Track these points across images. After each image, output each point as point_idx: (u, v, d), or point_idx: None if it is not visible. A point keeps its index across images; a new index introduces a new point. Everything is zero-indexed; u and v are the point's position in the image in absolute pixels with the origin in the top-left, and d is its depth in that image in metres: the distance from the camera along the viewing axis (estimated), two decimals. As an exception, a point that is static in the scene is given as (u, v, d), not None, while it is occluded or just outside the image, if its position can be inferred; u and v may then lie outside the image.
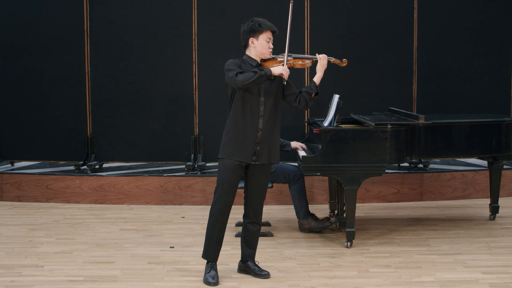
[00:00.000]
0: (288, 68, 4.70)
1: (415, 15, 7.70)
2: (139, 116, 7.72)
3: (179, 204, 7.17)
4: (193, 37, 7.65)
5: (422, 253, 5.31)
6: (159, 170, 7.65)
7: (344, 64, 5.01)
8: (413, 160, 6.76)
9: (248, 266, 4.83)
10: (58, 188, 7.26)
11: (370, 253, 5.33)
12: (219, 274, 4.71)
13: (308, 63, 4.87)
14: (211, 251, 4.69)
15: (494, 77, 7.86)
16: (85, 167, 7.47)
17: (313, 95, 4.76)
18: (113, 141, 7.75)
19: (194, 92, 7.70)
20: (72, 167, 7.57)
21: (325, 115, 5.85)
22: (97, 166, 7.59)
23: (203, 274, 4.72)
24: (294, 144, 5.96)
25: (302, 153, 5.76)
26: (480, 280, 4.67)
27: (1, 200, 7.31)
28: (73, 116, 7.72)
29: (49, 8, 7.64)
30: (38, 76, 7.71)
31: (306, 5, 7.62)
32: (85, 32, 7.62)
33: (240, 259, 4.89)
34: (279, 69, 4.59)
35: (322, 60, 4.83)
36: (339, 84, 7.43)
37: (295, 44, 7.56)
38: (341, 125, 5.72)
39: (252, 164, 4.65)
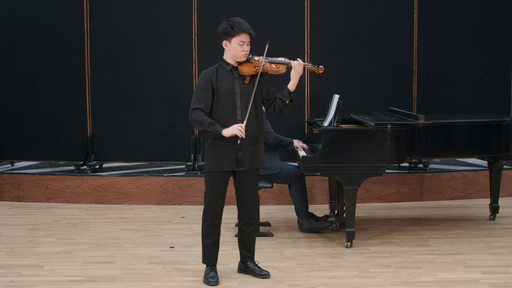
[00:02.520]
0: (264, 72, 4.53)
1: (415, 15, 7.70)
2: (139, 116, 7.72)
3: (179, 204, 7.17)
4: (193, 37, 7.65)
5: (422, 253, 5.31)
6: (159, 170, 7.65)
7: (321, 71, 4.72)
8: (413, 160, 6.75)
9: (248, 266, 4.82)
10: (58, 188, 7.25)
11: (370, 253, 5.33)
12: (219, 274, 4.71)
13: (282, 69, 4.58)
14: (210, 255, 4.68)
15: (494, 77, 7.86)
16: (85, 167, 7.46)
17: (287, 101, 4.54)
18: (113, 141, 7.74)
19: (194, 92, 7.69)
20: (72, 167, 7.57)
21: (325, 115, 5.85)
22: (97, 166, 7.59)
23: (203, 274, 4.72)
24: (296, 143, 5.95)
25: (302, 153, 5.76)
26: (480, 280, 4.67)
27: (1, 200, 7.31)
28: (73, 116, 7.71)
29: (49, 8, 7.63)
30: (38, 76, 7.70)
31: (306, 5, 7.62)
32: (85, 32, 7.62)
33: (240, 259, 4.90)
34: (232, 131, 4.40)
35: (297, 67, 4.51)
36: (339, 84, 7.42)
37: (295, 44, 7.59)
38: (341, 125, 5.72)
39: (237, 171, 4.60)
